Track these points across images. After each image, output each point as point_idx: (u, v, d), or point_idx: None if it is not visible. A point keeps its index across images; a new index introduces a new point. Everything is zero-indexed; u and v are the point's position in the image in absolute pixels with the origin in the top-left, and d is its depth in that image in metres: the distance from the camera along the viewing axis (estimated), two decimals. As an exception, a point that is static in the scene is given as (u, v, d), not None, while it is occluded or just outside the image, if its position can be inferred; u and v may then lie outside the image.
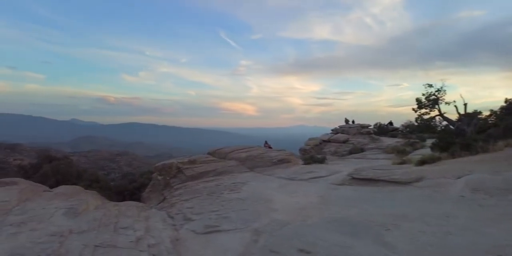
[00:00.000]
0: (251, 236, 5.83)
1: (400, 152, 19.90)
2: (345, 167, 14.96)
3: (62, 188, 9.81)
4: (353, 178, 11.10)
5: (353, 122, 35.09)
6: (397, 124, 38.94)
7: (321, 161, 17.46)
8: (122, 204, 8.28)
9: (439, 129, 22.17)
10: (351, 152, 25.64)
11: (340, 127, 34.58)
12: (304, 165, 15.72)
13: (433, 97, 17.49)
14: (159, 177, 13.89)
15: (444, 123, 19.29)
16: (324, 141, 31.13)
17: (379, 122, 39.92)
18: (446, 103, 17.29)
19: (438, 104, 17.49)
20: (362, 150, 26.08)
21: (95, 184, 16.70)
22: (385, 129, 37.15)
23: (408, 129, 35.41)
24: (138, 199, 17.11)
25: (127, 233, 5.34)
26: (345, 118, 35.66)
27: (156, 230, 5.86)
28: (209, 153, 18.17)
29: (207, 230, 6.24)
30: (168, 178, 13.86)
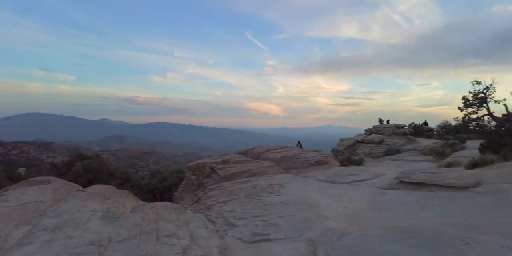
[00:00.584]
0: (306, 247, 5.15)
1: (439, 153, 18.77)
2: (386, 169, 14.09)
3: (95, 188, 9.45)
4: (401, 182, 10.26)
5: (387, 122, 33.70)
6: (429, 124, 37.12)
7: (359, 162, 16.60)
8: (158, 206, 7.77)
9: (486, 129, 20.77)
10: (386, 154, 24.57)
11: (374, 127, 33.31)
12: (343, 167, 14.91)
13: (481, 95, 16.22)
14: (193, 177, 13.44)
15: (493, 123, 17.93)
16: (357, 141, 30.02)
17: (413, 122, 38.22)
18: (495, 101, 15.98)
19: (486, 103, 16.21)
20: (397, 151, 24.96)
21: (126, 183, 16.50)
22: (420, 130, 35.50)
23: (444, 129, 33.65)
24: (169, 199, 16.77)
25: (172, 242, 4.76)
26: (379, 118, 34.31)
27: (201, 238, 5.26)
28: (240, 153, 17.63)
29: (255, 238, 5.61)
30: (201, 178, 13.41)
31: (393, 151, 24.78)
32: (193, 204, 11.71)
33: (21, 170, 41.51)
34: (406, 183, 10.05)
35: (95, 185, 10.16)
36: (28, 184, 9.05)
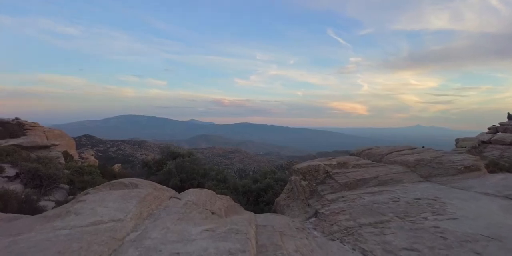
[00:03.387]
0: None
1: None
2: None
3: (192, 194, 7.26)
4: None
5: (520, 117, 27.63)
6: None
7: (510, 168, 12.59)
8: (284, 228, 5.22)
9: None
10: (525, 157, 19.58)
11: (501, 124, 27.51)
12: (502, 175, 11.09)
13: None
14: (303, 182, 10.75)
15: None
16: (483, 142, 24.83)
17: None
18: None
19: None
20: (540, 155, 19.81)
21: (222, 184, 14.48)
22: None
23: None
24: (265, 203, 14.66)
25: None
26: (508, 113, 28.32)
27: None
28: (353, 154, 14.52)
29: None
30: (314, 184, 10.66)
31: (534, 155, 19.79)
32: (310, 218, 9.02)
33: (117, 166, 43.39)
34: None
35: (191, 190, 8.00)
36: (111, 187, 7.15)
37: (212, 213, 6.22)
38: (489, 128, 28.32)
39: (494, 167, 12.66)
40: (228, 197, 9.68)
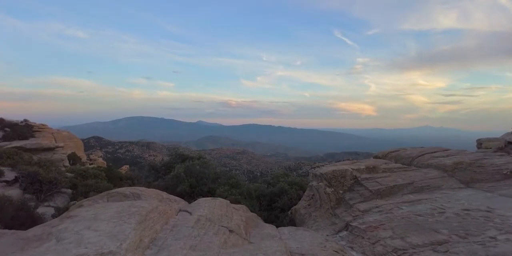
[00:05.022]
0: None
1: None
2: None
3: (204, 206, 6.12)
4: None
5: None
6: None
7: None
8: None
9: None
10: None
11: (528, 125, 26.04)
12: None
13: None
14: (328, 190, 9.55)
15: None
16: (509, 143, 23.39)
17: None
18: None
19: None
20: None
21: (234, 189, 13.36)
22: None
23: None
24: (280, 209, 13.60)
25: None
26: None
27: None
28: (377, 157, 13.26)
29: None
30: (341, 191, 9.47)
31: None
32: (339, 231, 7.85)
33: (125, 167, 42.67)
34: None
35: (202, 201, 6.86)
36: (109, 198, 6.05)
37: (230, 231, 5.09)
38: (513, 128, 26.84)
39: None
40: (244, 207, 8.54)
